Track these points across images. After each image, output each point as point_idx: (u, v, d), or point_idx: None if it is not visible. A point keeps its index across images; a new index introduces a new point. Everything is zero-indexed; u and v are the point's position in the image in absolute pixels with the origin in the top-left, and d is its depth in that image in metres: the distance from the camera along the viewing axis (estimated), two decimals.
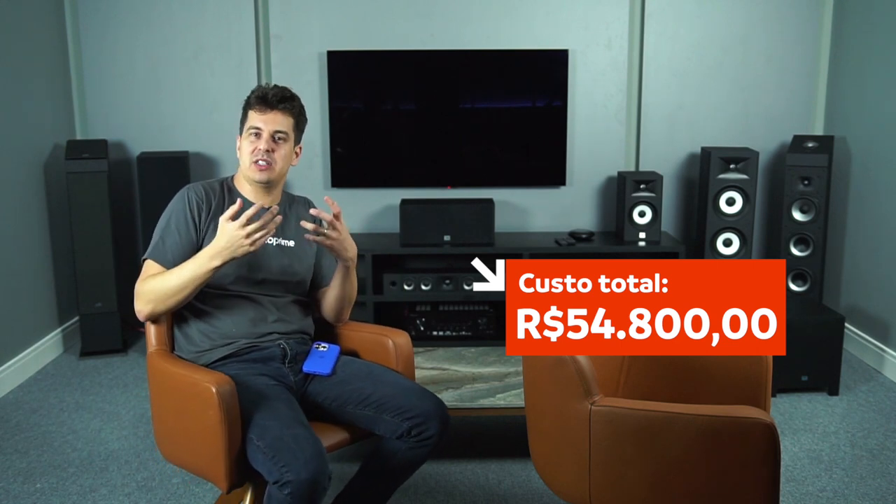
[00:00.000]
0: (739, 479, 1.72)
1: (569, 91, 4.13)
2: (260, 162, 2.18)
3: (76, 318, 4.04)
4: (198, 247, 2.15)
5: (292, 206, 2.35)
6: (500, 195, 4.22)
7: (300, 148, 2.30)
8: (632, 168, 4.29)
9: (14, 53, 3.64)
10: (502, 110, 4.18)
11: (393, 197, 4.20)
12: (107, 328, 3.90)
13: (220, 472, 1.96)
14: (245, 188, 2.26)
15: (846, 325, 3.79)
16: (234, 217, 2.02)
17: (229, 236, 2.01)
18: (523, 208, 4.30)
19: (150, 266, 2.15)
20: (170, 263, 2.12)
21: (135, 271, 4.17)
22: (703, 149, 4.08)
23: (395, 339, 2.34)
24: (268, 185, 2.24)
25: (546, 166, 4.20)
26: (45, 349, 3.84)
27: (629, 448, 1.77)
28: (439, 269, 4.05)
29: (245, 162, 2.21)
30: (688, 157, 4.28)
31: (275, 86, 2.22)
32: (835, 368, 3.42)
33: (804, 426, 3.18)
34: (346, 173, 4.19)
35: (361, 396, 2.16)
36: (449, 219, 3.97)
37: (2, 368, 3.48)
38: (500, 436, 3.08)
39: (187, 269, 2.07)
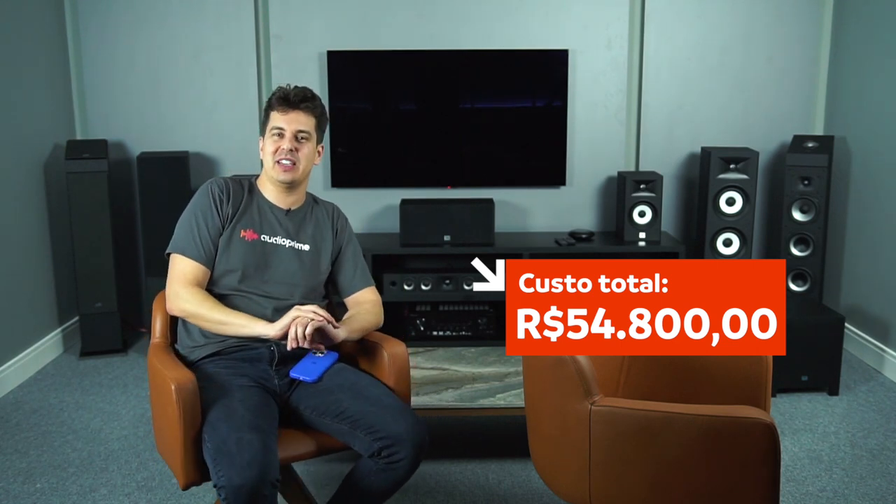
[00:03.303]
0: (739, 479, 1.72)
1: (569, 91, 4.13)
2: (284, 161, 2.20)
3: (76, 318, 4.04)
4: (222, 232, 2.20)
5: (314, 210, 2.35)
6: (500, 195, 4.21)
7: (322, 147, 2.32)
8: (632, 168, 4.29)
9: (14, 53, 3.64)
10: (502, 110, 4.18)
11: (393, 197, 4.20)
12: (107, 328, 3.90)
13: (179, 469, 1.98)
14: (268, 189, 2.29)
15: (846, 325, 3.78)
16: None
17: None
18: (523, 208, 4.29)
19: (181, 261, 2.18)
20: (201, 258, 2.18)
21: (135, 271, 4.28)
22: (703, 149, 4.08)
23: (390, 350, 2.23)
24: (290, 186, 2.26)
25: (546, 166, 4.20)
26: (45, 349, 3.84)
27: (629, 448, 1.77)
28: (439, 269, 4.05)
29: (268, 162, 2.23)
30: (688, 157, 4.28)
31: (296, 86, 2.24)
32: (835, 368, 3.42)
33: (804, 426, 3.17)
34: (346, 173, 4.19)
35: (339, 409, 2.08)
36: (449, 219, 3.96)
37: (2, 368, 3.48)
38: (500, 436, 3.08)
39: (237, 321, 2.13)
